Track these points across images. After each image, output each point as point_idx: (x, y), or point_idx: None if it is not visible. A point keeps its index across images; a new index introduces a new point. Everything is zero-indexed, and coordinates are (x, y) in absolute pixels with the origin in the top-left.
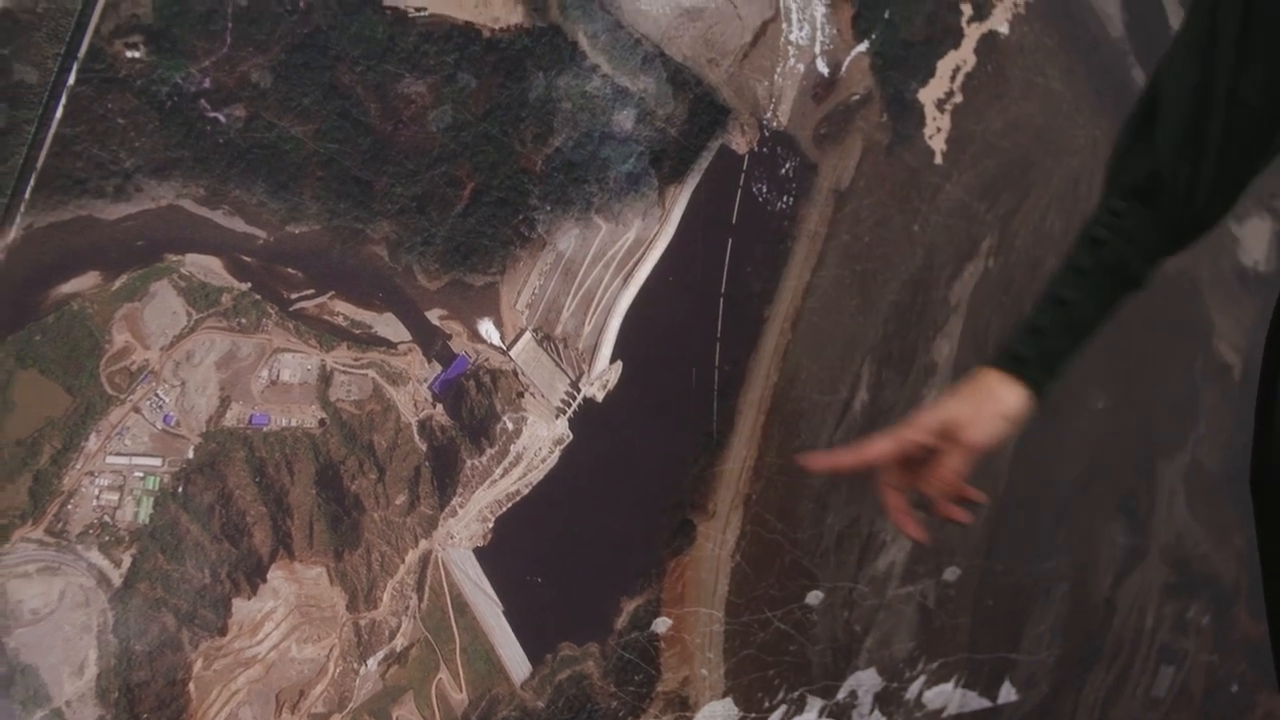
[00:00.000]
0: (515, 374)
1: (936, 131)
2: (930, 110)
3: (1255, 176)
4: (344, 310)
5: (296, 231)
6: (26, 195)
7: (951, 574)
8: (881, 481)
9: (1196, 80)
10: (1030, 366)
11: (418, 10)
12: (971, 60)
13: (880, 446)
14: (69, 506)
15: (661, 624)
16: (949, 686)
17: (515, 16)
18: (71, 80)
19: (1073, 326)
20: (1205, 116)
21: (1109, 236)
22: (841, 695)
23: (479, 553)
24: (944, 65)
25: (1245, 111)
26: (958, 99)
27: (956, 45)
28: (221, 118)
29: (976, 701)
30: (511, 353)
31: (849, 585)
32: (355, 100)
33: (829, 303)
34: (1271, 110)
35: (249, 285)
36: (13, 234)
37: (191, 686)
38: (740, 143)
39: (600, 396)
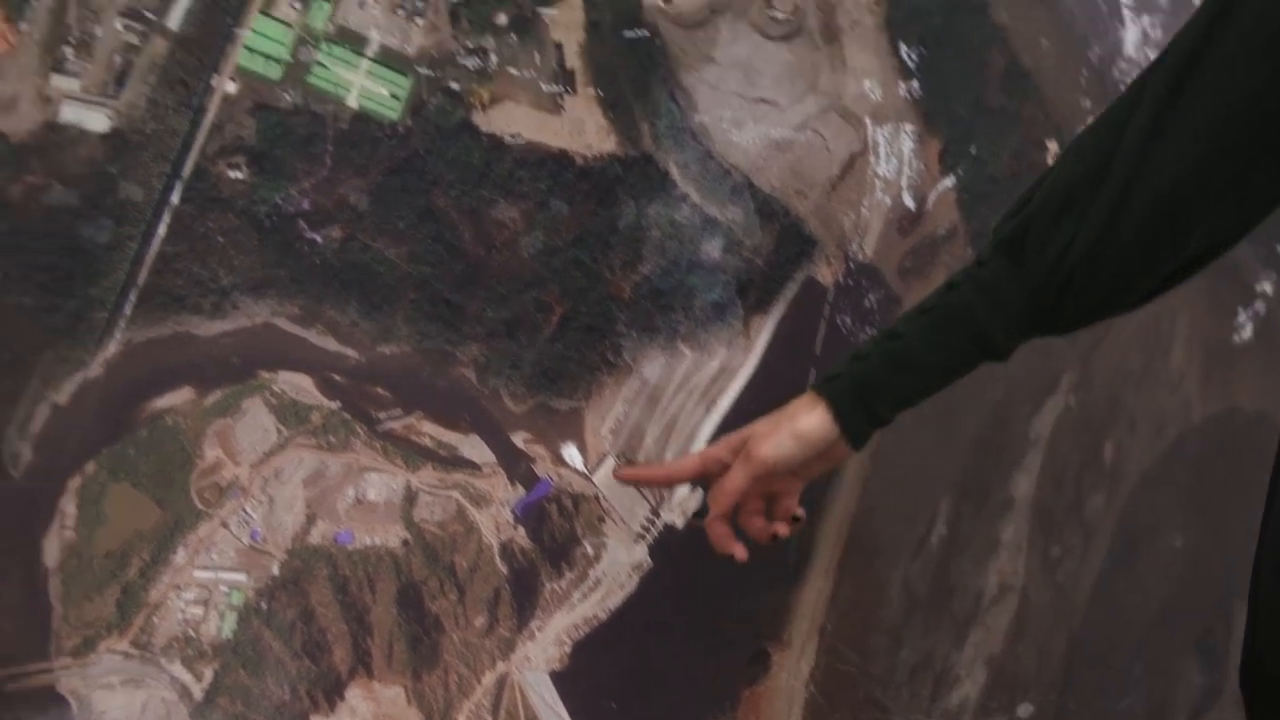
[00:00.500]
0: (597, 499)
1: None
2: None
3: (1151, 275)
4: (431, 431)
5: (387, 352)
6: (127, 311)
7: (1025, 710)
8: (710, 520)
9: (1099, 144)
10: (837, 387)
11: (513, 137)
12: None
13: (686, 463)
14: (154, 619)
15: None
16: None
17: (608, 145)
18: (175, 199)
19: (897, 362)
20: (1095, 183)
21: (963, 281)
22: None
23: (555, 677)
24: None
25: (1146, 190)
26: None
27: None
28: (318, 238)
29: None
30: (594, 478)
31: (922, 719)
32: (449, 224)
33: (908, 435)
34: (1177, 198)
35: (339, 404)
36: (112, 349)
37: None
38: (825, 274)
39: (680, 523)
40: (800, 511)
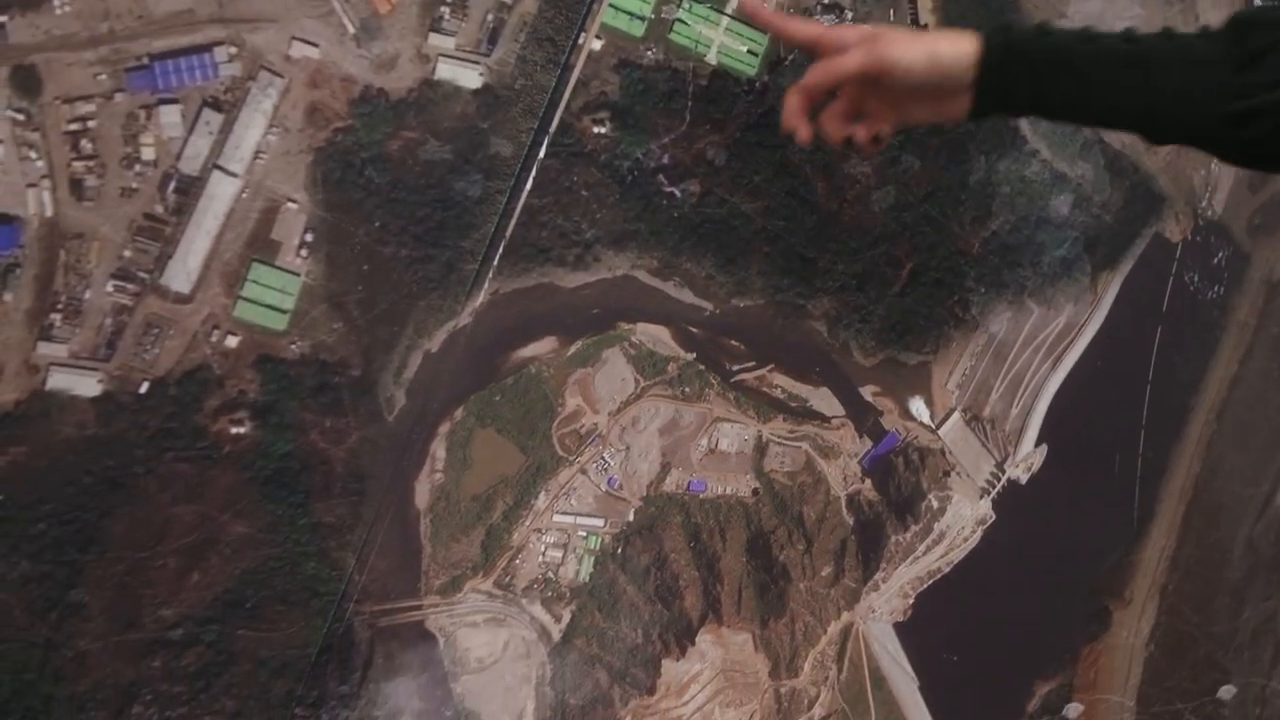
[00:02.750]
0: (943, 453)
1: None
2: None
3: None
4: (782, 383)
5: (741, 305)
6: (495, 262)
7: None
8: (795, 86)
9: None
10: (1003, 39)
11: None
12: None
13: (806, 25)
14: (517, 561)
15: (1073, 709)
16: None
17: None
18: (542, 154)
19: (1072, 62)
20: None
21: (1181, 37)
22: None
23: (898, 628)
24: None
25: None
26: None
27: None
28: (677, 192)
29: None
30: (940, 431)
31: (1262, 682)
32: (803, 179)
33: (1255, 395)
34: None
35: (694, 355)
36: (481, 298)
37: None
38: (1174, 231)
39: (1024, 479)
40: (886, 130)
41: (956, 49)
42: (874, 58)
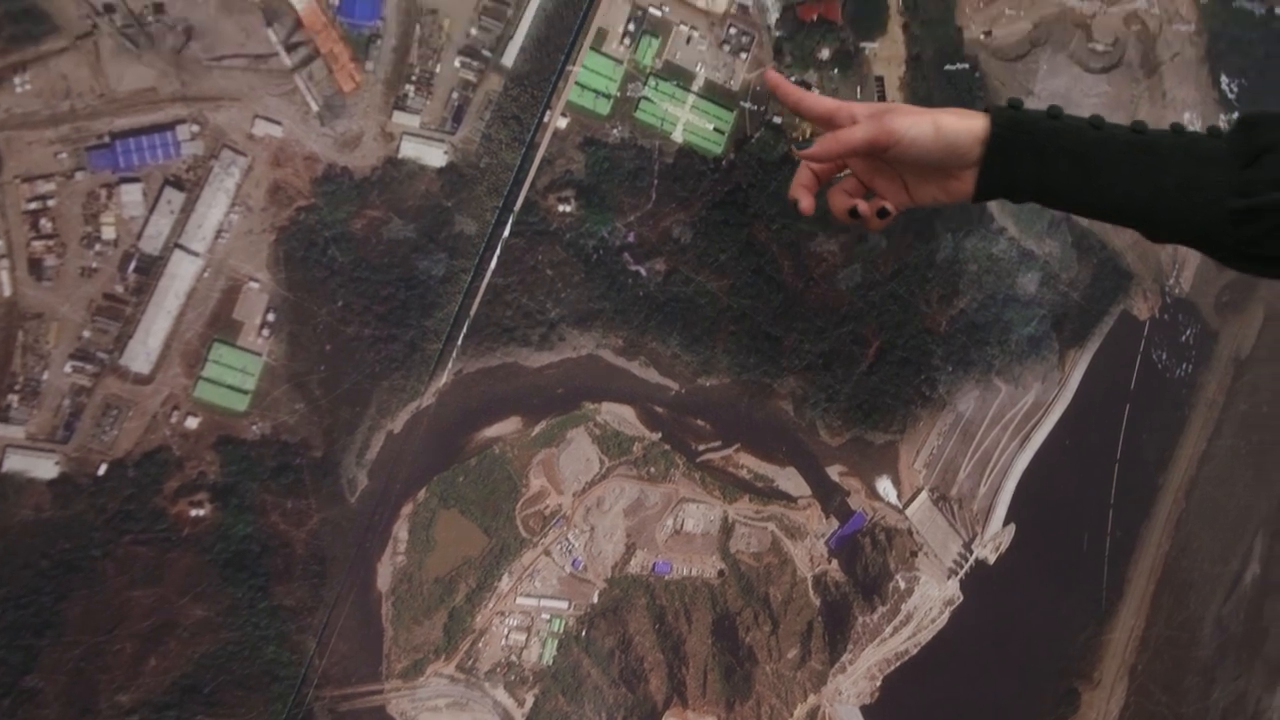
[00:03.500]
0: (910, 533)
1: None
2: None
3: None
4: (748, 463)
5: (707, 384)
6: (459, 342)
7: None
8: (805, 154)
9: None
10: (1011, 119)
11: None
12: None
13: (822, 100)
14: (480, 645)
15: None
16: None
17: None
18: (506, 232)
19: (1078, 149)
20: None
21: (1190, 134)
22: None
23: (865, 711)
24: None
25: None
26: None
27: None
28: (643, 271)
29: None
30: (907, 511)
31: None
32: (770, 257)
33: (1224, 473)
34: None
35: (660, 435)
36: (444, 378)
37: None
38: (1142, 308)
39: (992, 559)
40: (890, 206)
41: (964, 124)
42: (882, 130)
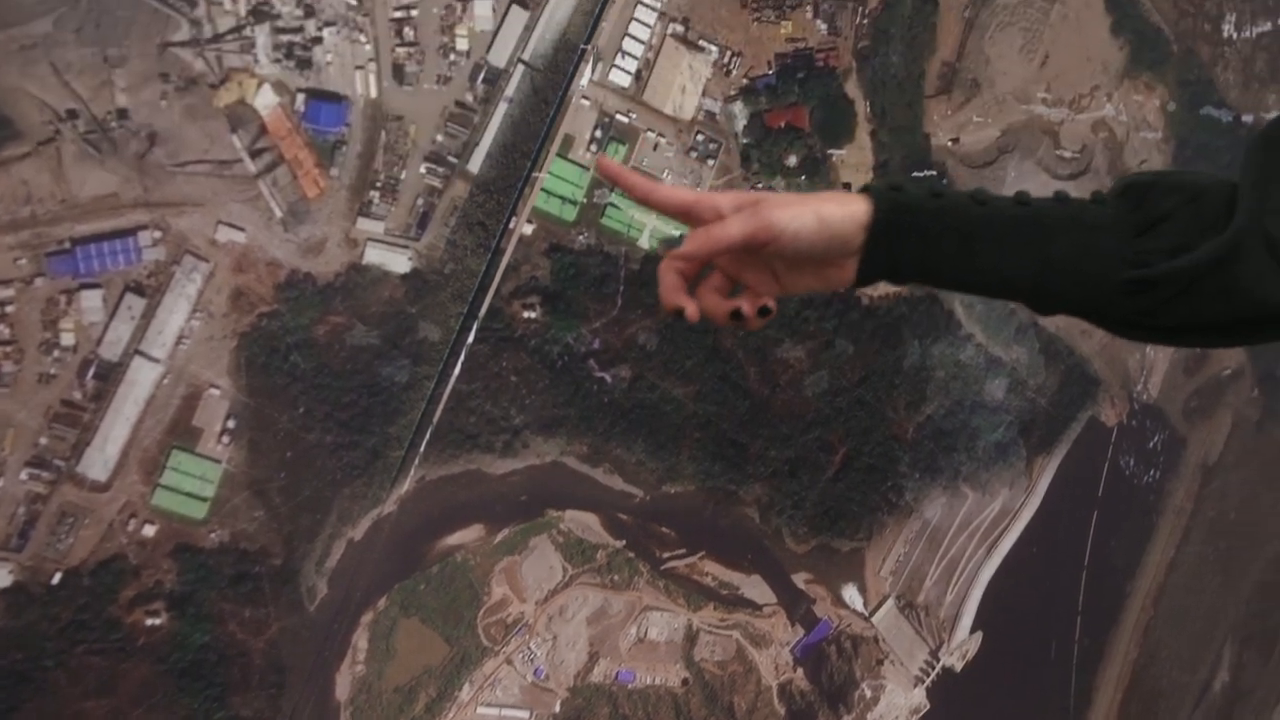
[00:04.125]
0: (876, 640)
1: None
2: None
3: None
4: (713, 571)
5: (672, 491)
6: (422, 449)
7: None
8: (667, 257)
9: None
10: (892, 200)
11: None
12: None
13: (678, 191)
14: None
15: None
16: None
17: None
18: (471, 339)
19: (964, 227)
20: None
21: (1073, 202)
22: None
23: None
24: None
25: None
26: None
27: None
28: (608, 377)
29: None
30: (874, 619)
31: None
32: (735, 364)
33: (1193, 580)
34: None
35: (624, 543)
36: (406, 485)
37: None
38: (1109, 415)
39: (959, 666)
40: (771, 304)
41: (846, 211)
42: (760, 224)
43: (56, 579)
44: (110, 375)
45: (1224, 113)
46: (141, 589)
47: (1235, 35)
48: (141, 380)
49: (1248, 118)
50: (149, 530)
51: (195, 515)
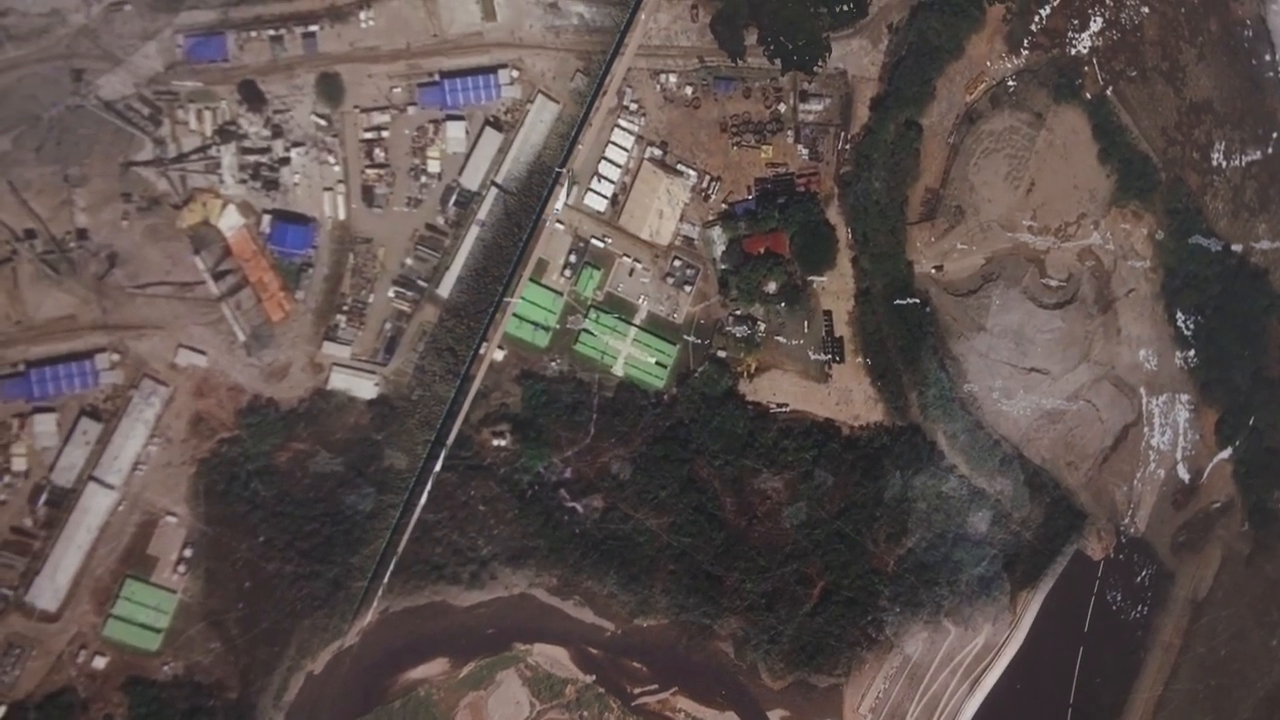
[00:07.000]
0: None
1: None
2: None
3: None
4: (686, 707)
5: (644, 625)
6: (386, 579)
7: None
8: None
9: None
10: None
11: (779, 406)
12: None
13: None
14: None
15: None
16: None
17: (875, 415)
18: (438, 466)
19: None
20: None
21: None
22: None
23: None
24: None
25: None
26: None
27: None
28: (579, 507)
29: None
30: None
31: None
32: (711, 494)
33: (1181, 718)
34: None
35: (594, 678)
36: (369, 617)
37: None
38: (1096, 549)
39: None
40: None
41: None
42: None
43: (1, 713)
44: (63, 502)
45: (1213, 242)
46: None
47: (1224, 164)
48: (95, 507)
49: (1237, 247)
50: (100, 662)
51: (149, 647)
